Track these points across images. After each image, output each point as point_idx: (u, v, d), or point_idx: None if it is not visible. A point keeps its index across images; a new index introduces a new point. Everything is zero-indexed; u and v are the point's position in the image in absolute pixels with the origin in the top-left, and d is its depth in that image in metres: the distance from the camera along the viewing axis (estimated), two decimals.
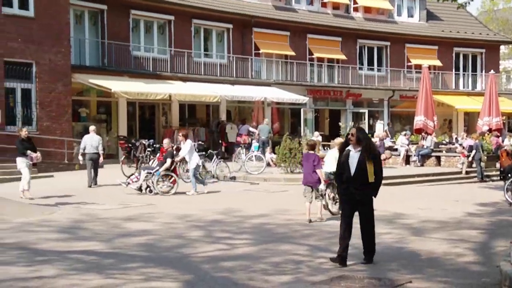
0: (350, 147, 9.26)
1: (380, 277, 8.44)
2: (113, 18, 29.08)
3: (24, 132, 17.39)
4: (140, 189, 18.42)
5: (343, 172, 9.28)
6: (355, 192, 9.12)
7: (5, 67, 23.39)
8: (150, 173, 18.53)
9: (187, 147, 18.94)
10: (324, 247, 10.50)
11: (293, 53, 35.87)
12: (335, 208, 14.14)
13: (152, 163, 20.75)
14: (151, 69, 30.33)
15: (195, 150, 20.18)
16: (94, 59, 28.91)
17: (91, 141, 20.42)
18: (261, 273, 8.68)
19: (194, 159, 19.11)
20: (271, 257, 9.79)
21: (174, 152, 19.54)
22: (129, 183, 18.58)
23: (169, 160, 18.51)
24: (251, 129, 30.35)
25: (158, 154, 20.76)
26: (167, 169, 18.48)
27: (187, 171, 19.76)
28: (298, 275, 8.63)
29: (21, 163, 16.82)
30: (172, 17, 31.38)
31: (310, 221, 13.33)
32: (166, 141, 19.54)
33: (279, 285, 8.09)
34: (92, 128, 21.23)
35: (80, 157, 20.74)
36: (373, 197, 9.43)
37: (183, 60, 31.19)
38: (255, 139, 27.89)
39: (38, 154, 17.30)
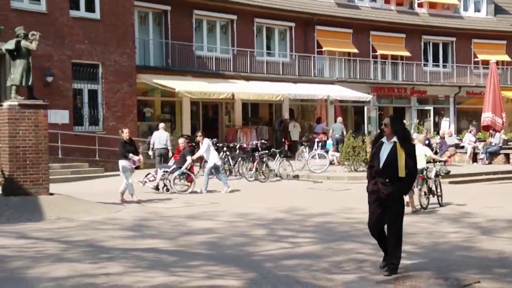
0: (383, 139, 8.39)
1: (447, 277, 8.22)
2: (176, 19, 29.41)
3: (125, 134, 17.00)
4: (157, 188, 18.49)
5: (373, 165, 8.41)
6: (382, 187, 8.15)
7: (73, 68, 23.98)
8: (167, 171, 18.54)
9: (204, 146, 19.03)
10: None
11: (356, 51, 35.53)
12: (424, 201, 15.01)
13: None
14: (214, 69, 30.55)
15: (216, 148, 20.29)
16: (158, 60, 29.31)
17: (160, 138, 21.06)
18: (324, 272, 8.59)
19: (212, 158, 19.11)
20: (334, 256, 9.68)
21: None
22: (145, 182, 18.65)
23: (189, 158, 18.53)
24: (325, 127, 30.33)
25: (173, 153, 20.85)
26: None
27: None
28: (362, 274, 8.50)
29: (124, 166, 16.52)
30: (234, 17, 31.52)
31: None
32: (181, 140, 19.68)
33: (343, 284, 7.98)
34: (161, 125, 21.96)
35: (150, 152, 21.31)
36: (402, 194, 8.46)
37: (246, 59, 31.30)
38: (330, 137, 27.85)
39: (141, 157, 17.08)
